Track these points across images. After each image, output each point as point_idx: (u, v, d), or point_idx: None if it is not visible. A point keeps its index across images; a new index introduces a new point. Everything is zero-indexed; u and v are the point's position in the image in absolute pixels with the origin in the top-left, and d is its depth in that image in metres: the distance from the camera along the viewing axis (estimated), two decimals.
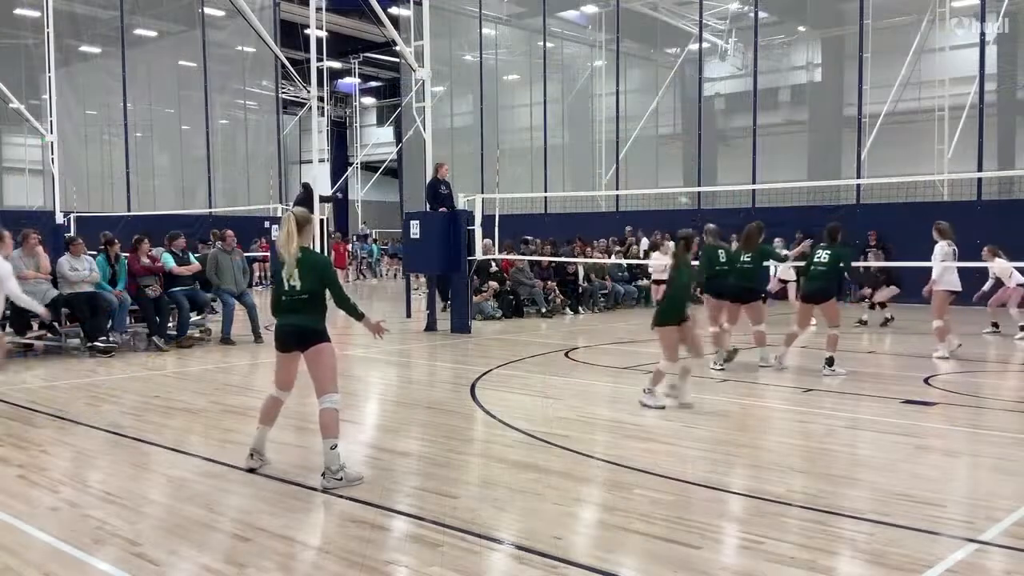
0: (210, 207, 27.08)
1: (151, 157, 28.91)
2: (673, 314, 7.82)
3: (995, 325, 13.64)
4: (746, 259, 10.15)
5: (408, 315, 16.33)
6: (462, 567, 4.06)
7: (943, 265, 11.09)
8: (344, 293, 5.65)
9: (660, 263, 15.76)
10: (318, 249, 16.12)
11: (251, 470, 5.67)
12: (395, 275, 32.44)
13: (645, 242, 20.98)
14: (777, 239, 16.74)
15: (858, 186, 20.58)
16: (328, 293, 5.55)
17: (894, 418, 7.35)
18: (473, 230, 13.83)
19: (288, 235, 5.38)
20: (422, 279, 17.86)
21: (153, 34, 29.20)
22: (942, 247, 11.16)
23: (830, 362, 9.59)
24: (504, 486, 5.40)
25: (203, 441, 6.58)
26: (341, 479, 5.30)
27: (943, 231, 11.24)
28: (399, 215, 28.27)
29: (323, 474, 5.33)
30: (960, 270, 11.35)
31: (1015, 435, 6.83)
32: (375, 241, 36.37)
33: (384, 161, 39.23)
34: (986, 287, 13.93)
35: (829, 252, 9.94)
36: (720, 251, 10.32)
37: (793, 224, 20.56)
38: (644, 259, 19.26)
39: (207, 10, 28.70)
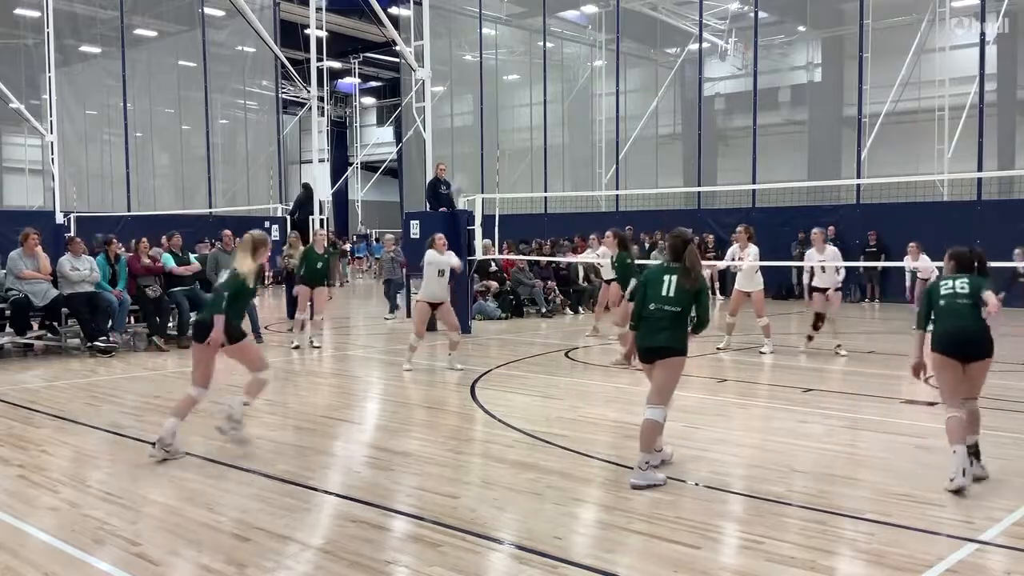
0: (210, 207, 27.06)
1: (151, 157, 28.87)
2: None
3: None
4: None
5: (408, 315, 16.36)
6: (462, 567, 4.06)
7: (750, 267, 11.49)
8: None
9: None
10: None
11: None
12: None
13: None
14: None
15: (858, 186, 20.57)
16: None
17: (894, 418, 7.35)
18: (473, 230, 13.84)
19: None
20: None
21: (153, 34, 29.17)
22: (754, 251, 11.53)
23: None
24: (504, 486, 5.40)
25: (203, 441, 6.57)
26: (238, 430, 6.31)
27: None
28: (399, 215, 28.24)
29: (228, 417, 6.29)
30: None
31: (1015, 435, 6.83)
32: (376, 241, 36.22)
33: (384, 161, 39.23)
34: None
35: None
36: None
37: (793, 224, 20.61)
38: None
39: (207, 10, 28.66)
